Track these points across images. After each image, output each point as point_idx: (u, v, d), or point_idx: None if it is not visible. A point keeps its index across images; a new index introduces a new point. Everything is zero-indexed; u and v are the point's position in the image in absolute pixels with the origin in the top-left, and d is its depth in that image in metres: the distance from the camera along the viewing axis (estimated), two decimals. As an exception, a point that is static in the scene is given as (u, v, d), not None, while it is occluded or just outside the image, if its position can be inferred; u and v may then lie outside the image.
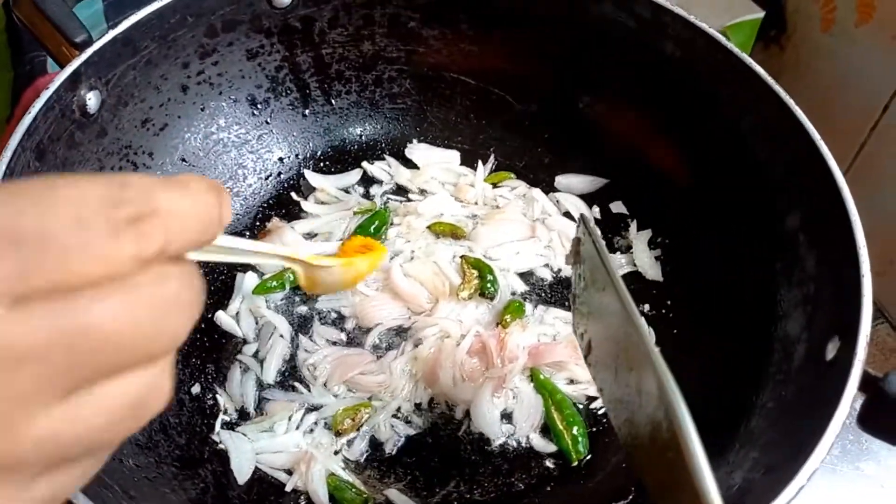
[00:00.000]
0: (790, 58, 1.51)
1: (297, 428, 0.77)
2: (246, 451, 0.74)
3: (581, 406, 0.79)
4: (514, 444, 0.77)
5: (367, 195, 0.93)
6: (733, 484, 0.63)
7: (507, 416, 0.78)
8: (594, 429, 0.78)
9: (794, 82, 1.51)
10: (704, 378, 0.76)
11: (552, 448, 0.76)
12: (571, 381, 0.81)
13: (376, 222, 0.89)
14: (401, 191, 0.93)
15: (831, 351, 0.63)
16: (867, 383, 0.59)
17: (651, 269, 0.87)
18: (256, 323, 0.84)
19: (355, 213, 0.90)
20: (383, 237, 0.89)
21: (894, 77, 1.29)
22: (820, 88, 1.41)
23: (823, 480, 0.86)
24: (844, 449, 0.88)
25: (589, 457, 0.76)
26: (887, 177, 1.31)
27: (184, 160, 0.87)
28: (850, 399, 0.58)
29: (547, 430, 0.77)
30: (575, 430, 0.76)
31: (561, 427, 0.77)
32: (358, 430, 0.76)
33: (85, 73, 0.73)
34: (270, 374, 0.80)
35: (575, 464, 0.75)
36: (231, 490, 0.71)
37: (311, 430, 0.77)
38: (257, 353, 0.82)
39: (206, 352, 0.81)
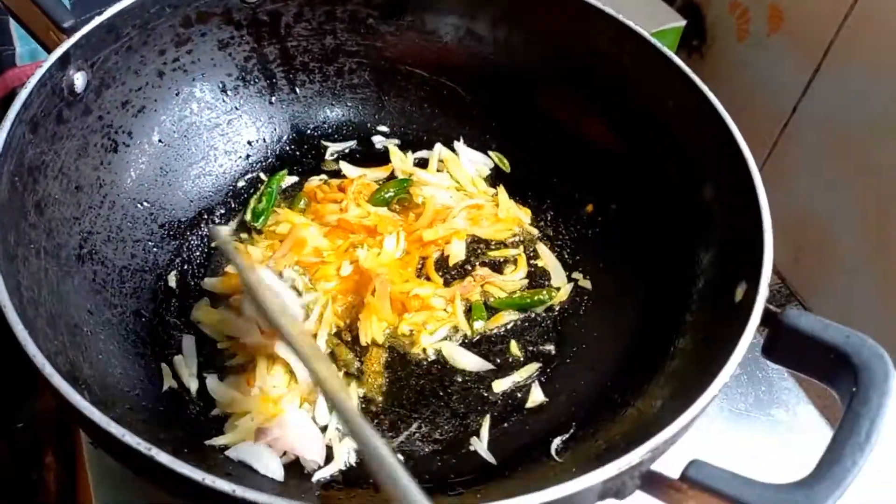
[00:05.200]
0: (710, 66, 1.65)
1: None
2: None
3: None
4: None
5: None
6: (655, 410, 0.73)
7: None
8: (544, 377, 0.86)
9: (715, 88, 1.66)
10: (636, 328, 0.86)
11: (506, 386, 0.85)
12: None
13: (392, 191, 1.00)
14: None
15: (739, 294, 0.73)
16: (769, 318, 0.70)
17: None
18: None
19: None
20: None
21: (801, 81, 1.44)
22: (737, 93, 1.55)
23: (739, 426, 0.97)
24: (758, 398, 0.98)
25: (545, 401, 0.84)
26: (796, 173, 1.46)
27: (160, 141, 0.93)
28: (754, 329, 0.68)
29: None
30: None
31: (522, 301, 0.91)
32: None
33: (73, 55, 0.79)
34: None
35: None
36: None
37: None
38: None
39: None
